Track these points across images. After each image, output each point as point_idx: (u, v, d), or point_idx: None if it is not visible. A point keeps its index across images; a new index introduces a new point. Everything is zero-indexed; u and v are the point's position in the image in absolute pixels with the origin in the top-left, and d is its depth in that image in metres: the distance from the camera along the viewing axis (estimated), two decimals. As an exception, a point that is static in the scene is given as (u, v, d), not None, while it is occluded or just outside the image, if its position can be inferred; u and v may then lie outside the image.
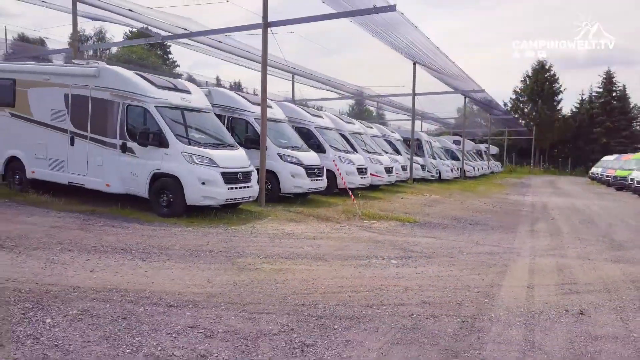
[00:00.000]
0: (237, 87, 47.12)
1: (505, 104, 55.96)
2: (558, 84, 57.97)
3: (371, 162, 16.49)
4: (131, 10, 13.06)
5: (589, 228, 11.04)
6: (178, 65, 52.48)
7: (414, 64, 21.35)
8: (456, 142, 32.99)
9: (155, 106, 9.24)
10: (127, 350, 3.45)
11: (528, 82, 58.46)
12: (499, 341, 4.00)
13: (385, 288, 5.35)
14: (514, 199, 18.25)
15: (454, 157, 29.92)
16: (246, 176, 9.65)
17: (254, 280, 5.39)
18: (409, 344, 3.83)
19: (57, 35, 78.90)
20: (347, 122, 18.25)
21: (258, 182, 10.26)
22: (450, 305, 4.88)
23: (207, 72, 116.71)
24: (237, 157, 9.79)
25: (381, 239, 8.30)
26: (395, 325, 4.23)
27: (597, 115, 54.72)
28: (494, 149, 48.54)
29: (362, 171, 15.09)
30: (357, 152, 16.04)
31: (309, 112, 15.52)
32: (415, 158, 22.66)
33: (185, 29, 14.19)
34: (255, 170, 10.16)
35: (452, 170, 26.88)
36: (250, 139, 11.85)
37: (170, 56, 53.19)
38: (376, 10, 10.62)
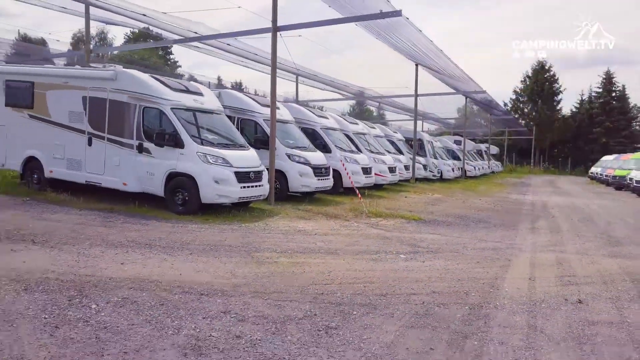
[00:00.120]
0: (238, 87, 47.44)
1: (505, 104, 56.43)
2: (558, 84, 58.56)
3: (375, 162, 16.90)
4: (144, 15, 13.41)
5: (588, 226, 11.41)
6: (180, 66, 52.86)
7: (417, 65, 21.67)
8: (457, 142, 33.39)
9: (171, 108, 9.60)
10: (170, 332, 3.82)
11: (528, 82, 58.89)
12: (504, 325, 4.38)
13: (396, 279, 5.73)
14: (514, 198, 18.63)
15: (455, 157, 30.30)
16: (258, 175, 10.02)
17: (274, 272, 5.77)
18: (422, 327, 4.22)
19: (57, 35, 79.32)
20: (351, 123, 18.68)
21: (268, 181, 10.63)
22: (458, 294, 5.27)
23: (207, 72, 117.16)
24: (249, 157, 10.17)
25: (389, 236, 8.68)
26: (408, 311, 4.61)
27: (596, 115, 55.15)
28: (494, 149, 48.94)
29: (366, 171, 15.47)
30: (361, 152, 16.43)
31: (314, 113, 15.89)
32: (418, 158, 23.04)
33: (195, 33, 14.56)
34: (266, 170, 10.54)
35: (453, 170, 27.27)
36: (259, 140, 12.22)
37: (171, 57, 53.55)
38: (382, 15, 11.01)
